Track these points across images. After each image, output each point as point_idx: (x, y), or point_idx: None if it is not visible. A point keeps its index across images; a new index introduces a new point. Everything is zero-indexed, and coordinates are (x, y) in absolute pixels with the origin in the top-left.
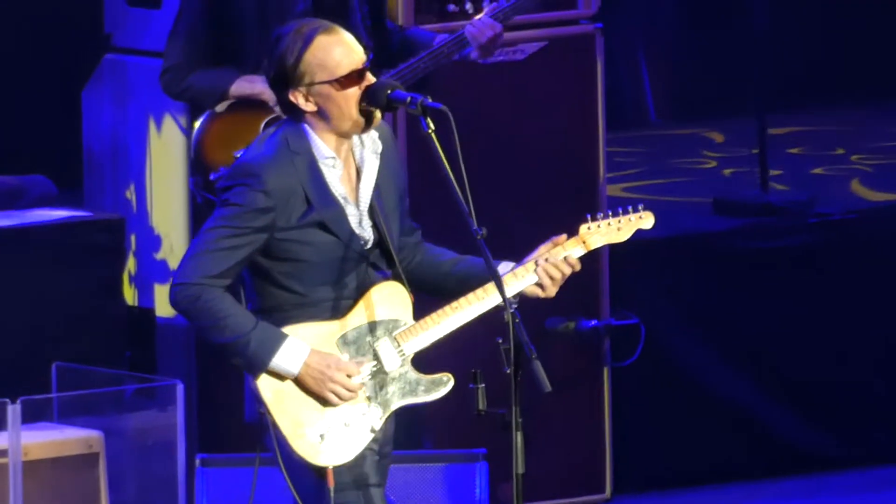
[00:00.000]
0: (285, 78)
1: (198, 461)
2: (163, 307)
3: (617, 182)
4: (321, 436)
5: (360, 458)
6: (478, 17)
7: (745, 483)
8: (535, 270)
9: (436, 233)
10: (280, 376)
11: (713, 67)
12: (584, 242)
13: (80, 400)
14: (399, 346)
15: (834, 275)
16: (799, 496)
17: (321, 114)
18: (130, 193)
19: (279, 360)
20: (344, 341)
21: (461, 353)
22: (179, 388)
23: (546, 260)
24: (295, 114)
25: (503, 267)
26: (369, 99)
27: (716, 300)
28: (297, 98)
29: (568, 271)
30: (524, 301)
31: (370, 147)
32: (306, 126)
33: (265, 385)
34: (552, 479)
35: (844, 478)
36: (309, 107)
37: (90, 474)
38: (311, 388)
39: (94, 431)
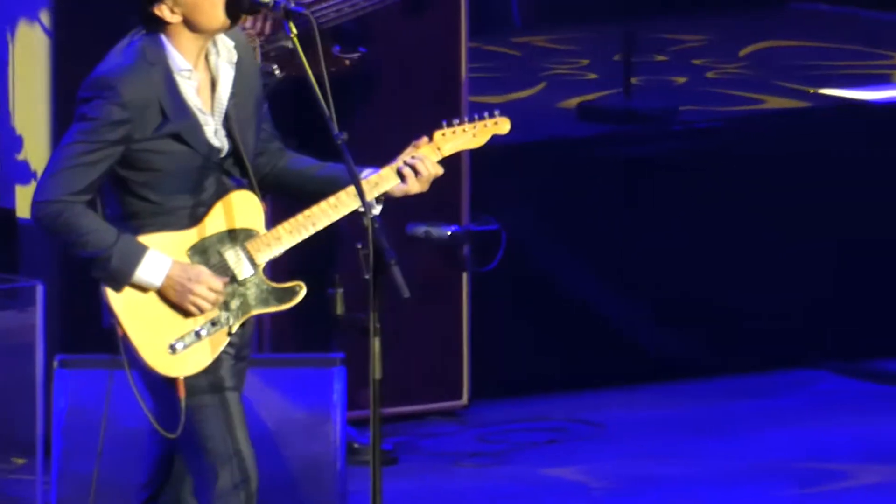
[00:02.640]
0: None
1: (56, 362)
2: (24, 208)
3: (481, 88)
4: (172, 346)
5: (217, 363)
6: None
7: (603, 390)
8: (398, 170)
9: None
10: (141, 288)
11: None
12: (438, 149)
13: None
14: (251, 255)
15: (697, 183)
16: (656, 404)
17: (186, 23)
18: None
19: (141, 273)
20: (195, 251)
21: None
22: (40, 289)
23: (408, 160)
24: (155, 26)
25: (365, 173)
26: (233, 2)
27: (578, 207)
28: (163, 11)
29: (431, 169)
30: (385, 206)
31: (225, 56)
32: (163, 37)
33: (115, 294)
34: (410, 385)
35: (700, 386)
36: (175, 18)
37: None
38: (173, 300)
39: None
